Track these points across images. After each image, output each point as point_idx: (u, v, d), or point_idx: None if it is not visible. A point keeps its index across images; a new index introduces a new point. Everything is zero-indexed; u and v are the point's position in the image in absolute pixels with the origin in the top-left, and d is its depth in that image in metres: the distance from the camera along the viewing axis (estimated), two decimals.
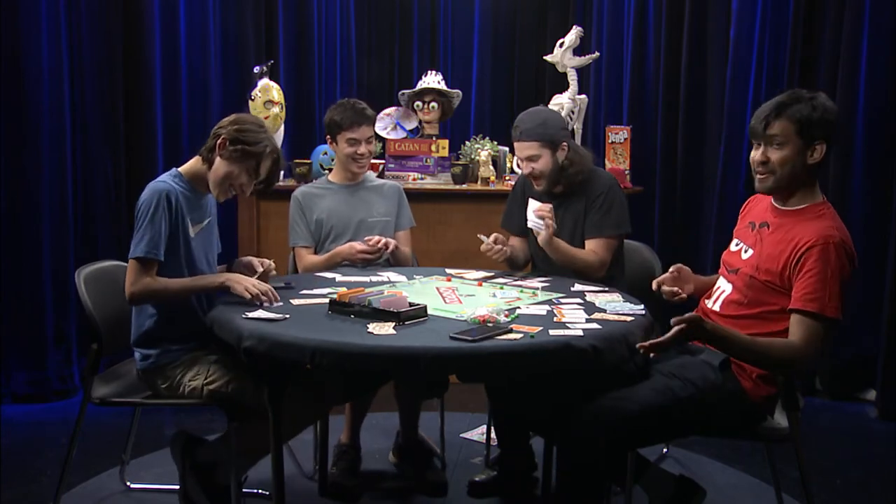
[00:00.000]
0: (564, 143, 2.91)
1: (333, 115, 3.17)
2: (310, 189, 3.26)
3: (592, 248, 2.88)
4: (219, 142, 2.55)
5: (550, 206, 2.81)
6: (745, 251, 2.36)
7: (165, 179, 2.57)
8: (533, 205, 2.80)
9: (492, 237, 2.83)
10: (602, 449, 2.16)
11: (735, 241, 2.45)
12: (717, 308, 2.38)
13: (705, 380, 2.23)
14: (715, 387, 2.23)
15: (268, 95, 4.10)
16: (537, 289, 2.64)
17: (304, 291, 2.59)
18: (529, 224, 2.81)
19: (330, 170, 3.39)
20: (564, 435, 2.25)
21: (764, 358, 2.16)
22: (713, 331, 2.10)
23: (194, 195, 2.61)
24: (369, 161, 3.25)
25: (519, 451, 2.85)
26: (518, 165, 3.03)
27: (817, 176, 2.29)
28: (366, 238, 3.05)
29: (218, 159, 2.56)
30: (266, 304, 2.41)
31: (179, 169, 2.63)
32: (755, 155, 2.26)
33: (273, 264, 2.68)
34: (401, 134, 4.41)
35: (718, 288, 2.42)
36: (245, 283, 2.46)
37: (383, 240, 3.04)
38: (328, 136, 3.22)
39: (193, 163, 2.63)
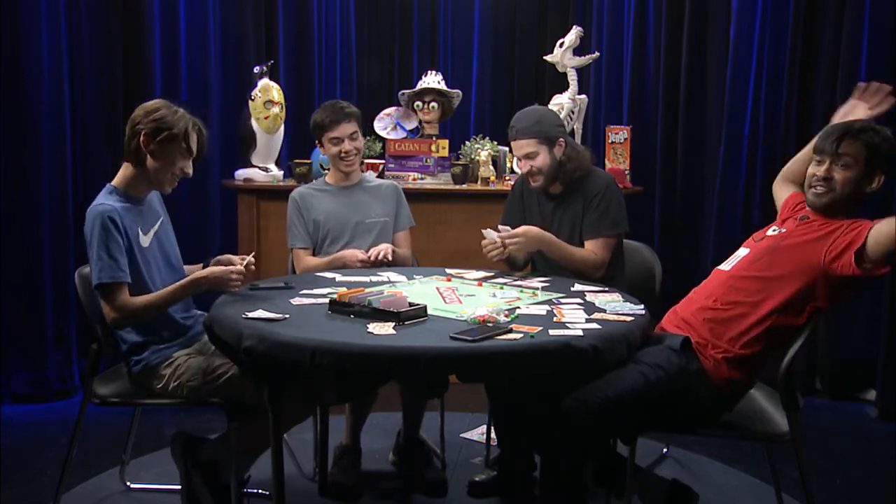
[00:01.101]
0: (561, 140, 2.92)
1: (315, 117, 3.18)
2: (307, 190, 3.27)
3: (591, 249, 2.88)
4: (141, 139, 2.52)
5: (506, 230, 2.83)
6: (779, 230, 2.43)
7: (102, 200, 2.53)
8: (491, 235, 2.83)
9: (493, 235, 2.83)
10: (584, 440, 2.18)
11: (772, 227, 2.51)
12: (727, 268, 2.44)
13: (671, 363, 2.26)
14: (680, 369, 2.26)
15: (268, 95, 4.10)
16: (537, 289, 2.64)
17: (304, 291, 2.59)
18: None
19: (328, 170, 3.40)
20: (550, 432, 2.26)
21: None
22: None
23: (135, 203, 2.59)
24: (358, 158, 3.23)
25: (519, 451, 2.85)
26: (517, 165, 3.02)
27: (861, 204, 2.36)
28: (370, 251, 3.05)
29: (148, 156, 2.55)
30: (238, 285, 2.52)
31: (112, 183, 2.60)
32: (817, 171, 2.33)
33: (253, 259, 2.66)
34: (401, 134, 4.41)
35: (736, 254, 2.47)
36: (221, 278, 2.50)
37: (382, 252, 3.04)
38: (317, 142, 3.23)
39: (123, 171, 2.60)
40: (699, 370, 2.29)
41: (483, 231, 2.86)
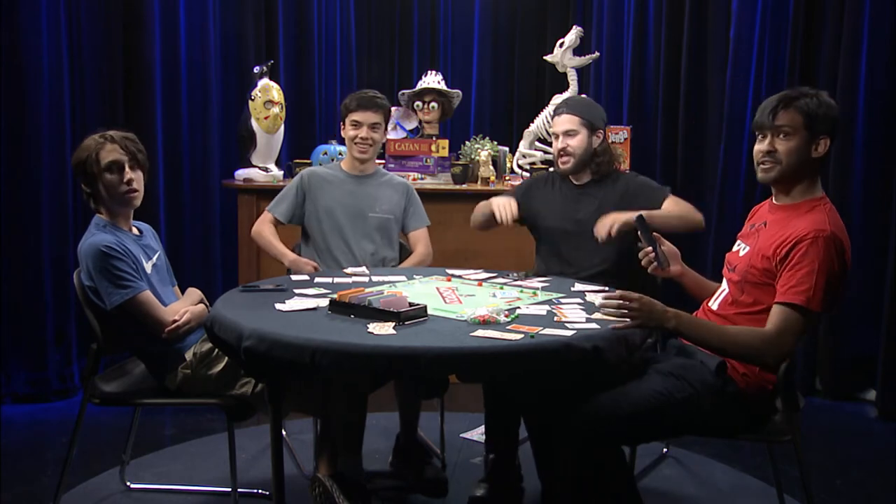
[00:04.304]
0: (600, 132, 3.05)
1: (346, 99, 3.27)
2: (319, 171, 3.32)
3: (670, 204, 2.98)
4: (95, 190, 2.59)
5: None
6: (743, 249, 2.37)
7: (95, 232, 2.58)
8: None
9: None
10: (597, 448, 2.16)
11: (737, 242, 2.46)
12: (715, 307, 2.39)
13: (704, 382, 2.23)
14: (713, 390, 2.23)
15: (268, 95, 4.10)
16: (537, 289, 2.64)
17: (303, 291, 2.59)
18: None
19: (334, 159, 3.44)
20: (559, 435, 2.25)
21: (732, 346, 2.14)
22: (678, 320, 2.10)
23: (128, 235, 2.64)
24: (373, 150, 3.27)
25: (509, 459, 2.83)
26: (554, 143, 3.10)
27: (818, 172, 2.30)
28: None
29: (97, 193, 2.60)
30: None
31: (101, 217, 2.64)
32: (761, 146, 2.27)
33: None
34: (401, 134, 4.42)
35: (721, 288, 2.43)
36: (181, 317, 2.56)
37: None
38: (342, 123, 3.29)
39: (100, 216, 2.64)
40: (736, 392, 2.24)
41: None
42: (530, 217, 3.14)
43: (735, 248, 2.44)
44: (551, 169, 3.31)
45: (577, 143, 3.00)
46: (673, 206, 2.97)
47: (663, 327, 2.11)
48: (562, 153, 3.03)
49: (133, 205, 2.65)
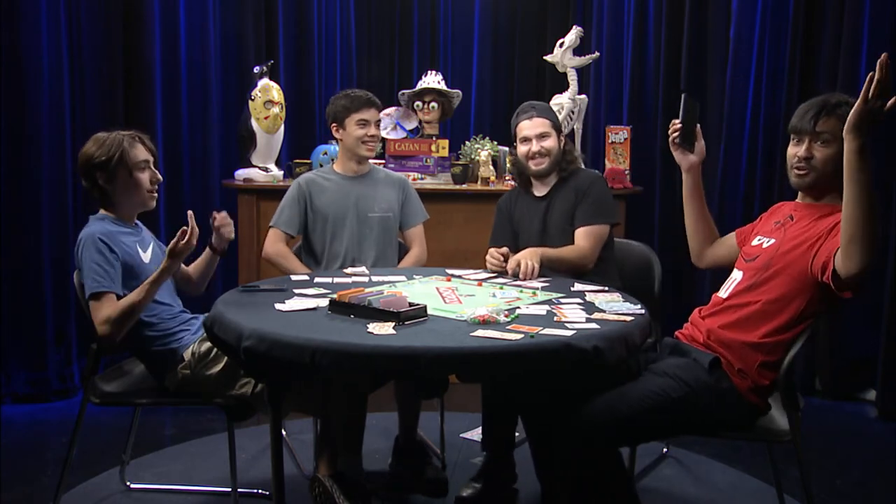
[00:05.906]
0: (561, 132, 3.15)
1: (339, 101, 3.23)
2: (314, 177, 3.28)
3: (581, 237, 2.97)
4: (99, 182, 2.58)
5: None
6: (767, 242, 2.37)
7: (93, 224, 2.59)
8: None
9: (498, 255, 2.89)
10: (594, 450, 2.16)
11: (757, 237, 2.45)
12: (724, 295, 2.39)
13: (698, 380, 2.23)
14: (708, 387, 2.23)
15: (268, 95, 4.10)
16: (537, 289, 2.64)
17: (303, 291, 2.59)
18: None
19: (333, 160, 3.42)
20: (558, 437, 2.25)
21: (867, 221, 2.03)
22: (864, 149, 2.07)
23: (130, 227, 2.65)
24: (377, 148, 3.30)
25: (504, 460, 2.83)
26: (521, 147, 3.09)
27: None
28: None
29: (115, 190, 2.60)
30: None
31: (104, 211, 2.65)
32: (798, 151, 2.27)
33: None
34: (401, 134, 4.42)
35: (731, 279, 2.42)
36: (174, 250, 2.52)
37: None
38: (334, 125, 3.25)
39: (105, 211, 2.65)
40: (731, 388, 2.25)
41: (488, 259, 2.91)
42: (514, 236, 3.15)
43: (755, 242, 2.44)
44: (507, 183, 3.22)
45: (550, 144, 3.05)
46: (581, 235, 2.97)
47: (862, 136, 2.11)
48: (537, 155, 3.04)
49: (152, 205, 2.68)
